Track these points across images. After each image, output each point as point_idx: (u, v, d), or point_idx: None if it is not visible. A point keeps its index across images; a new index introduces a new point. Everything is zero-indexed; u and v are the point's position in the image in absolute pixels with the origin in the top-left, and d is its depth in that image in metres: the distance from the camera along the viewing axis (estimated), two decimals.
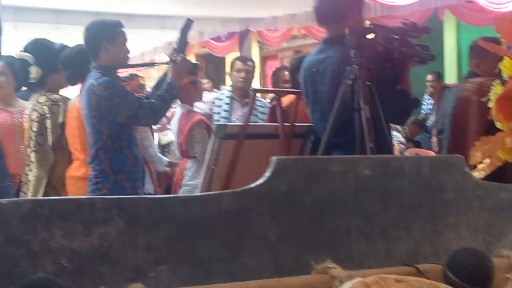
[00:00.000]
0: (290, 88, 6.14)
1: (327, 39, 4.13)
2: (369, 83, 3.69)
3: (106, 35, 4.62)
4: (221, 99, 6.27)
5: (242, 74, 6.53)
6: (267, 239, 1.85)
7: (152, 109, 4.51)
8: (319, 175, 1.91)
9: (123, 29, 4.74)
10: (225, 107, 6.28)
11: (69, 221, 1.65)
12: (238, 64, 6.62)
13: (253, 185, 1.84)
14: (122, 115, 4.45)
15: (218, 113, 6.13)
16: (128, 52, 4.76)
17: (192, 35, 11.95)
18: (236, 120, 6.00)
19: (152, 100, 4.57)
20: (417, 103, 4.26)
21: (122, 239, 1.70)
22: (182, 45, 4.85)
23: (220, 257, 1.79)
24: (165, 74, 4.89)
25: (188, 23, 4.75)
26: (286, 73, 7.41)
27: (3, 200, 1.62)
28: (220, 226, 1.79)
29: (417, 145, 9.02)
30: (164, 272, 1.73)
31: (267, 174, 1.85)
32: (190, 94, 5.75)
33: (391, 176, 2.01)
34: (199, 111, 6.22)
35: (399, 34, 3.79)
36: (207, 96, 6.71)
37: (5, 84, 5.46)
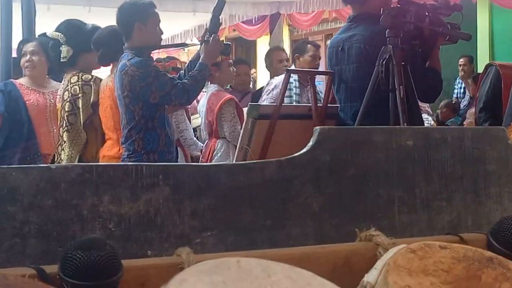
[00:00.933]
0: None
1: (353, 17, 4.14)
2: (404, 63, 3.69)
3: (139, 15, 4.66)
4: (291, 83, 6.22)
5: (314, 59, 6.62)
6: (310, 208, 1.86)
7: (185, 90, 4.55)
8: (362, 145, 1.92)
9: (156, 10, 4.77)
10: (296, 90, 6.25)
11: (117, 187, 1.67)
12: (312, 49, 6.65)
13: (296, 154, 1.85)
14: (155, 95, 4.50)
15: (291, 96, 6.08)
16: (161, 33, 4.80)
17: (223, 18, 12.00)
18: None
19: (185, 81, 4.61)
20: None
21: (168, 206, 1.72)
22: (214, 25, 4.88)
23: (264, 225, 1.81)
24: (198, 55, 4.92)
25: (221, 3, 4.78)
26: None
27: (53, 165, 1.64)
28: (264, 194, 1.81)
29: None
30: (209, 238, 1.75)
31: (311, 143, 1.87)
32: (214, 75, 5.77)
33: (433, 147, 2.01)
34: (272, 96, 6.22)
35: (430, 11, 3.78)
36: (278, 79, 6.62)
37: (38, 64, 5.52)
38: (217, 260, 1.35)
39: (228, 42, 5.12)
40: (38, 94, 5.63)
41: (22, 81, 5.58)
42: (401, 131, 1.98)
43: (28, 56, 5.47)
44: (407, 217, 1.97)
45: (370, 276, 1.47)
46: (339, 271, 1.61)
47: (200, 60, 4.74)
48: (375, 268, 1.49)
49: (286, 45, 12.55)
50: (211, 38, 4.74)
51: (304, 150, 1.86)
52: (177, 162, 5.11)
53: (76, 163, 5.07)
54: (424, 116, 8.05)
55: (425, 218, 1.99)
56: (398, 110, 3.66)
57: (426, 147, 2.00)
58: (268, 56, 7.49)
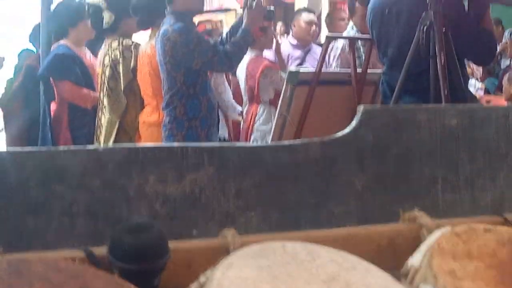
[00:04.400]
0: None
1: None
2: (445, 29, 3.66)
3: None
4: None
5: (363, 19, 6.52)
6: (353, 187, 1.87)
7: (227, 56, 4.55)
8: (405, 125, 1.91)
9: None
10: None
11: (162, 167, 1.69)
12: (360, 9, 6.41)
13: (340, 134, 1.85)
14: (197, 62, 4.50)
15: (359, 57, 5.83)
16: None
17: None
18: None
19: (227, 47, 4.61)
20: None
21: (213, 185, 1.74)
22: None
23: (308, 204, 1.82)
24: (240, 20, 4.91)
25: None
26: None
27: (100, 147, 1.67)
28: (307, 173, 1.82)
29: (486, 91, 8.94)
30: (254, 217, 1.77)
31: (354, 123, 1.87)
32: (259, 40, 5.76)
33: (478, 126, 2.00)
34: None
35: None
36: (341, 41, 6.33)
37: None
38: (263, 244, 1.37)
39: (271, 8, 5.08)
40: (84, 56, 5.74)
41: (68, 44, 5.65)
42: (445, 110, 1.97)
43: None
44: (451, 196, 1.96)
45: (414, 260, 1.48)
46: (384, 252, 1.63)
47: (243, 26, 4.73)
48: (419, 251, 1.50)
49: (325, 7, 12.44)
50: (254, 3, 4.73)
51: (348, 129, 1.86)
52: (218, 126, 5.13)
53: (115, 128, 5.12)
54: (472, 81, 8.00)
55: (469, 197, 1.99)
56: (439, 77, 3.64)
57: (470, 125, 1.99)
58: (329, 16, 7.79)
